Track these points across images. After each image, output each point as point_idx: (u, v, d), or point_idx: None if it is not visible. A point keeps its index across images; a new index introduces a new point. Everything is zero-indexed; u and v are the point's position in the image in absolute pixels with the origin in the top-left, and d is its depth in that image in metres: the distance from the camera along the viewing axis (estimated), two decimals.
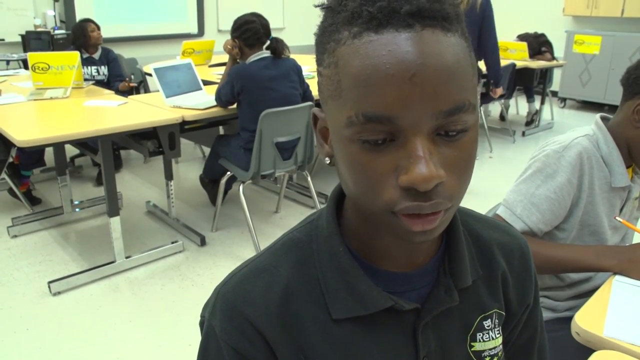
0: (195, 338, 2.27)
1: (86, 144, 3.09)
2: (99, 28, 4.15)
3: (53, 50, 4.99)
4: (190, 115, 2.90)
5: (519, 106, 6.72)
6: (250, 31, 2.96)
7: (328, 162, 0.59)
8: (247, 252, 3.07)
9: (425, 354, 0.63)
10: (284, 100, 2.95)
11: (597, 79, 6.90)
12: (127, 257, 2.86)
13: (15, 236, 3.22)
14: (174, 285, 2.73)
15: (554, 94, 7.15)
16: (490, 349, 0.68)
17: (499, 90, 4.02)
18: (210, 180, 3.61)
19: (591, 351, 0.98)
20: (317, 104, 3.24)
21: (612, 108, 6.79)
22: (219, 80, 3.35)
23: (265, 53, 2.97)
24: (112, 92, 3.60)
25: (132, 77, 4.78)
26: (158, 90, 3.11)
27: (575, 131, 1.39)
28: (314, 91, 3.23)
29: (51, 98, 3.20)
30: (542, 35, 6.01)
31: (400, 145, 0.48)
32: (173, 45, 6.17)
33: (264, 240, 3.14)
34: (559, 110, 7.09)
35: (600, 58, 6.83)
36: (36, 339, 2.29)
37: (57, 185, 3.38)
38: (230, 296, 0.62)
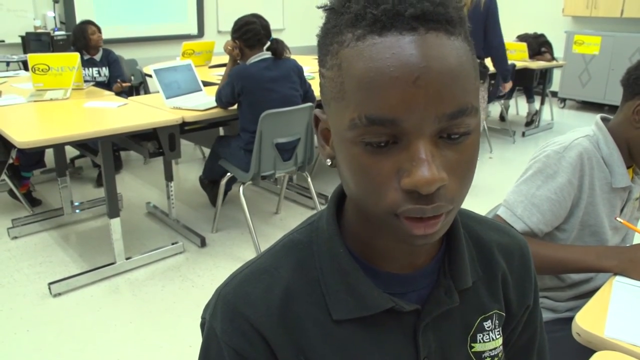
0: (195, 339, 2.27)
1: (86, 145, 3.10)
2: (99, 30, 4.16)
3: (53, 51, 4.99)
4: (190, 116, 2.90)
5: (519, 107, 6.72)
6: (250, 32, 2.96)
7: (329, 163, 0.59)
8: (247, 253, 3.07)
9: (426, 355, 0.63)
10: (284, 101, 2.95)
11: (596, 79, 6.91)
12: (127, 259, 2.86)
13: (16, 237, 3.22)
14: (175, 287, 2.73)
15: (554, 94, 7.16)
16: (491, 350, 0.68)
17: (508, 85, 4.06)
18: (210, 181, 3.61)
19: (592, 352, 0.98)
20: (318, 105, 3.25)
21: (612, 108, 6.79)
22: (219, 81, 3.35)
23: (266, 54, 2.97)
24: (113, 93, 3.60)
25: (132, 78, 4.79)
26: (158, 92, 3.11)
27: (575, 132, 1.39)
28: (316, 91, 3.23)
29: (51, 99, 3.21)
30: (542, 35, 6.02)
31: (403, 148, 0.49)
32: (173, 46, 6.17)
33: (264, 241, 3.14)
34: (558, 110, 7.10)
35: (599, 58, 6.83)
36: (36, 340, 2.29)
37: (57, 186, 3.38)
38: (231, 298, 0.62)
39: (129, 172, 4.43)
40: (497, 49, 3.69)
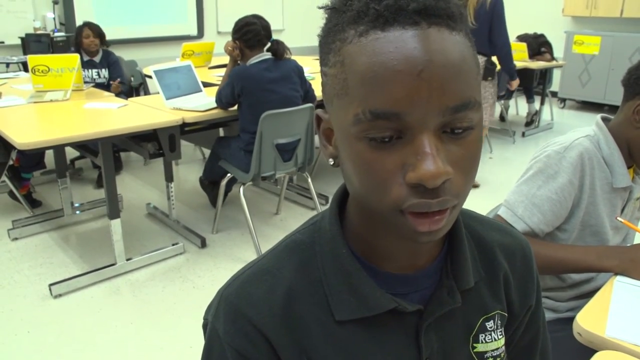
0: (196, 340, 2.27)
1: (86, 147, 3.10)
2: (95, 34, 4.09)
3: (53, 52, 4.99)
4: (190, 117, 2.90)
5: (519, 107, 6.73)
6: (251, 33, 2.96)
7: (332, 162, 0.59)
8: (247, 254, 3.07)
9: (428, 355, 0.63)
10: (284, 102, 2.95)
11: (596, 79, 6.91)
12: (127, 260, 2.86)
13: (16, 239, 3.22)
14: (175, 287, 2.73)
15: (554, 94, 7.16)
16: (493, 350, 0.68)
17: (515, 83, 4.10)
18: (210, 182, 3.61)
19: (593, 352, 0.98)
20: (319, 105, 3.24)
21: (612, 108, 6.79)
22: (218, 82, 3.35)
23: (266, 55, 2.97)
24: (112, 94, 3.60)
25: (132, 79, 4.79)
26: (158, 92, 3.11)
27: (576, 132, 1.39)
28: (316, 92, 3.23)
29: (51, 100, 3.21)
30: (542, 35, 6.02)
31: (407, 143, 0.49)
32: (173, 47, 6.17)
33: (265, 241, 3.14)
34: (558, 110, 7.10)
35: (599, 58, 6.83)
36: (37, 342, 2.29)
37: (58, 187, 3.38)
38: (234, 299, 0.62)
39: (129, 173, 4.43)
40: (501, 49, 3.75)
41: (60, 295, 2.62)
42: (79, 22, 5.68)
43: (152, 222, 3.50)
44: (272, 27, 3.12)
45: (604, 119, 1.40)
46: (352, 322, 0.60)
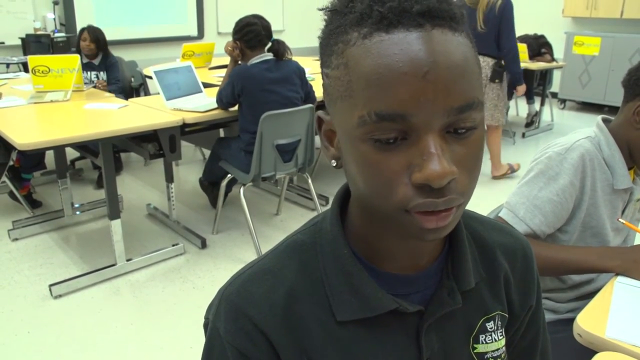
0: (196, 340, 2.27)
1: (87, 147, 3.10)
2: (93, 39, 4.07)
3: (53, 53, 4.99)
4: (190, 117, 2.91)
5: (519, 108, 6.72)
6: (251, 33, 2.96)
7: (334, 164, 0.59)
8: (247, 255, 3.07)
9: (429, 356, 0.63)
10: (284, 103, 2.95)
11: (596, 80, 6.91)
12: (128, 260, 2.86)
13: (16, 239, 3.22)
14: (175, 288, 2.73)
15: (554, 95, 7.16)
16: (493, 351, 0.68)
17: (521, 88, 4.13)
18: (209, 183, 3.61)
19: (593, 353, 0.98)
20: (319, 107, 3.24)
21: (612, 109, 6.79)
22: (219, 83, 3.35)
23: (267, 55, 2.97)
24: (113, 95, 3.60)
25: (133, 79, 4.79)
26: (158, 93, 3.11)
27: (576, 133, 1.39)
28: (317, 93, 3.23)
29: (52, 101, 3.21)
30: (542, 36, 6.02)
31: (412, 143, 0.49)
32: (173, 47, 6.17)
33: (265, 242, 3.14)
34: (558, 111, 7.10)
35: (599, 59, 6.83)
36: (37, 342, 2.29)
37: (58, 188, 3.38)
38: (235, 298, 0.62)
39: (130, 174, 4.43)
40: (507, 52, 3.79)
41: (60, 295, 2.63)
42: (79, 22, 5.71)
43: (152, 223, 3.50)
44: (272, 28, 3.12)
45: (605, 120, 1.40)
46: (353, 322, 0.60)
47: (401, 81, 0.47)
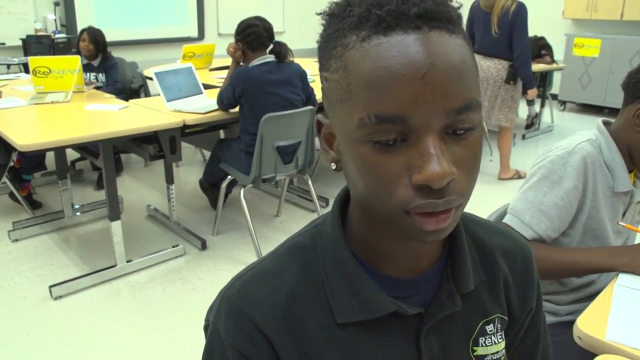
0: (197, 341, 2.27)
1: (87, 148, 3.10)
2: (92, 41, 4.07)
3: (54, 54, 5.00)
4: (191, 119, 2.91)
5: (519, 109, 6.72)
6: (253, 34, 2.96)
7: (334, 167, 0.59)
8: (248, 256, 3.07)
9: (428, 358, 0.63)
10: (285, 105, 2.96)
11: (596, 82, 6.91)
12: (128, 261, 2.86)
13: (16, 240, 3.22)
14: (175, 289, 2.73)
15: (554, 97, 7.16)
16: (493, 354, 0.69)
17: (532, 92, 4.18)
18: (210, 184, 3.61)
19: (593, 355, 0.98)
20: (320, 109, 3.24)
21: (612, 111, 6.79)
22: (219, 84, 3.35)
23: (269, 57, 2.97)
24: (113, 96, 3.61)
25: (134, 80, 4.79)
26: (159, 94, 3.12)
27: (577, 136, 1.39)
28: (318, 95, 3.23)
29: (52, 102, 3.21)
30: (542, 38, 6.02)
31: (411, 145, 0.49)
32: (173, 49, 6.18)
33: (265, 244, 3.14)
34: (559, 113, 7.10)
35: (599, 61, 6.84)
36: (37, 343, 2.29)
37: (58, 189, 3.38)
38: (235, 299, 0.62)
39: (130, 175, 4.43)
40: (518, 56, 3.86)
41: (60, 296, 2.63)
42: (80, 23, 5.72)
43: (152, 224, 3.50)
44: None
45: (605, 123, 1.40)
46: (353, 324, 0.61)
47: (400, 83, 0.48)
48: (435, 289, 0.64)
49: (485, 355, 0.68)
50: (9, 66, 5.24)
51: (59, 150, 3.32)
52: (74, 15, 5.92)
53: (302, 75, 3.10)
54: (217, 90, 3.09)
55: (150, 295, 2.67)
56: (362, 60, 0.49)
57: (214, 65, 4.89)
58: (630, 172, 1.37)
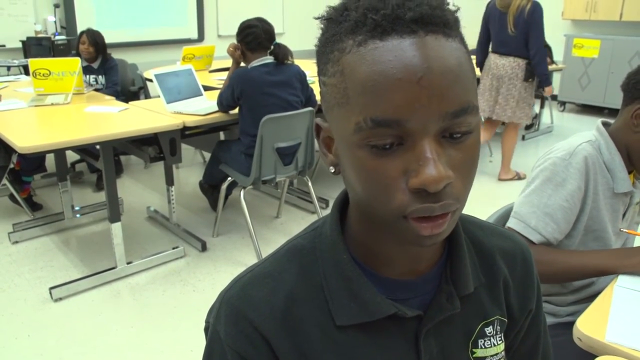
0: (197, 343, 2.27)
1: (87, 150, 3.11)
2: (91, 43, 4.07)
3: (54, 56, 5.00)
4: (191, 121, 2.91)
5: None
6: (250, 35, 2.97)
7: (333, 171, 0.59)
8: (248, 258, 3.07)
9: None
10: (284, 107, 2.96)
11: (596, 83, 6.91)
12: (128, 263, 2.86)
13: (17, 242, 3.22)
14: (175, 291, 2.73)
15: (554, 97, 7.16)
16: (492, 356, 0.69)
17: (549, 89, 4.26)
18: (209, 185, 3.62)
19: (593, 356, 0.99)
20: (319, 110, 3.24)
21: (612, 111, 6.80)
22: (219, 86, 3.36)
23: (268, 59, 2.97)
24: (113, 98, 3.61)
25: (134, 81, 4.79)
26: (159, 96, 3.12)
27: (576, 137, 1.39)
28: (317, 97, 3.23)
29: (52, 104, 3.21)
30: None
31: (408, 149, 0.50)
32: (173, 50, 6.18)
33: (265, 245, 3.14)
34: (558, 114, 7.10)
35: (599, 61, 6.84)
36: (37, 345, 2.29)
37: (58, 191, 3.38)
38: (235, 301, 0.62)
39: (130, 177, 4.43)
40: (534, 55, 3.94)
41: (60, 298, 2.63)
42: (80, 25, 5.72)
43: (152, 226, 3.50)
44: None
45: (604, 124, 1.40)
46: (353, 327, 0.61)
47: (396, 87, 0.48)
48: (435, 291, 0.64)
49: (485, 357, 0.68)
50: (9, 68, 5.25)
51: (59, 152, 3.32)
52: (73, 17, 5.92)
53: (302, 76, 3.10)
54: (217, 92, 3.10)
55: (150, 296, 2.67)
56: (358, 64, 0.50)
57: (213, 67, 4.90)
58: (629, 173, 1.37)
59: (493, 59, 4.12)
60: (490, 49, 4.20)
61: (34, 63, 3.42)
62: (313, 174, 4.18)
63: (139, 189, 4.17)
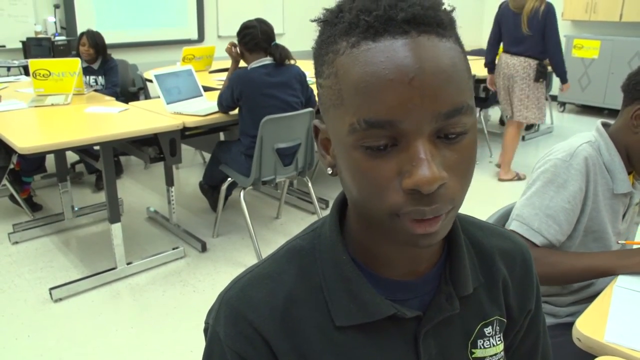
0: (197, 344, 2.27)
1: (87, 151, 3.12)
2: (91, 45, 4.06)
3: (54, 56, 5.00)
4: (191, 121, 2.91)
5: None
6: (248, 36, 2.97)
7: (330, 172, 0.60)
8: (248, 258, 3.07)
9: None
10: (284, 108, 2.96)
11: (596, 83, 6.91)
12: (128, 264, 2.87)
13: (17, 242, 3.23)
14: (175, 292, 2.73)
15: (554, 98, 7.16)
16: (491, 356, 0.69)
17: (566, 86, 4.37)
18: (210, 186, 3.62)
19: (592, 357, 0.99)
20: (318, 111, 3.25)
21: (612, 112, 6.80)
22: (219, 87, 3.36)
23: (267, 60, 2.98)
24: (113, 98, 3.61)
25: (134, 81, 4.79)
26: (159, 97, 3.12)
27: (577, 137, 1.39)
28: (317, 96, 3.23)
29: (52, 105, 3.21)
30: None
31: (402, 150, 0.50)
32: (173, 51, 6.18)
33: (265, 246, 3.14)
34: (558, 114, 7.10)
35: (599, 62, 6.84)
36: (37, 346, 2.29)
37: (58, 191, 3.39)
38: (234, 302, 0.62)
39: (130, 177, 4.43)
40: (553, 55, 4.09)
41: (60, 299, 2.63)
42: (80, 26, 5.72)
43: (152, 226, 3.50)
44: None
45: (604, 125, 1.40)
46: (352, 327, 0.61)
47: (388, 88, 0.48)
48: (434, 292, 0.64)
49: (484, 358, 0.68)
50: (9, 69, 5.25)
51: (59, 153, 3.32)
52: (74, 17, 5.92)
53: (302, 77, 3.10)
54: (217, 93, 3.10)
55: (150, 297, 2.67)
56: (351, 66, 0.50)
57: (213, 68, 4.90)
58: (629, 174, 1.37)
59: (504, 58, 4.17)
60: (501, 49, 4.23)
61: (34, 64, 3.43)
62: (313, 174, 4.18)
63: (139, 189, 4.17)
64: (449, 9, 0.53)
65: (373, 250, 0.62)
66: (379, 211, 0.52)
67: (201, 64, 4.81)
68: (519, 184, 4.33)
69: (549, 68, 4.28)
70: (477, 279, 0.67)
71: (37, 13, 5.72)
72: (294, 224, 3.55)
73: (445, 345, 0.65)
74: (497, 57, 4.31)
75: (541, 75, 4.10)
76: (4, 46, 5.56)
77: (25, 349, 2.28)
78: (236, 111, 3.03)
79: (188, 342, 2.33)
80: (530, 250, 0.75)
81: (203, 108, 3.07)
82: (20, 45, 5.50)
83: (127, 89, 4.62)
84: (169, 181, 3.33)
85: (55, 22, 5.78)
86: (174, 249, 3.07)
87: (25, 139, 2.43)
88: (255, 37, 2.97)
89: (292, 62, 3.06)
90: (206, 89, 3.50)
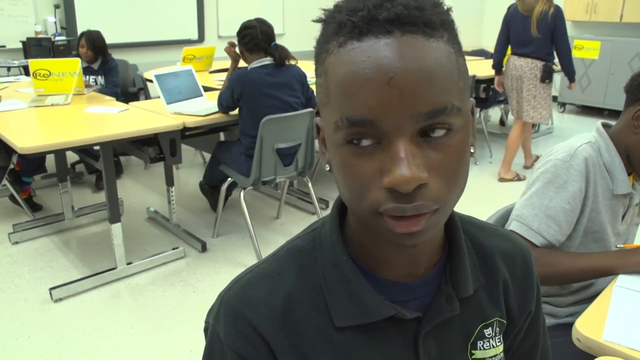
0: (197, 344, 2.27)
1: (87, 151, 3.12)
2: (90, 46, 4.06)
3: (54, 56, 5.00)
4: (191, 121, 2.91)
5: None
6: (248, 36, 2.97)
7: (328, 168, 0.60)
8: (248, 258, 3.07)
9: None
10: (284, 108, 2.96)
11: (596, 84, 6.91)
12: (128, 264, 2.87)
13: (17, 242, 3.23)
14: (175, 292, 2.73)
15: (554, 98, 7.15)
16: (491, 357, 0.69)
17: (573, 85, 4.46)
18: (210, 186, 3.62)
19: (592, 357, 0.99)
20: (318, 112, 3.26)
21: (612, 113, 6.80)
22: (219, 87, 3.36)
23: (267, 60, 2.98)
24: (113, 98, 3.61)
25: (135, 82, 4.79)
26: (159, 97, 3.12)
27: (577, 138, 1.39)
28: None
29: (52, 105, 3.21)
30: None
31: (384, 148, 0.50)
32: (173, 51, 6.18)
33: (265, 246, 3.14)
34: (558, 115, 7.10)
35: (599, 63, 6.84)
36: (37, 346, 2.29)
37: (58, 191, 3.39)
38: (234, 301, 0.62)
39: (130, 177, 4.44)
40: (562, 55, 4.17)
41: (60, 299, 2.63)
42: (80, 26, 5.72)
43: (152, 226, 3.50)
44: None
45: (605, 125, 1.40)
46: (352, 328, 0.61)
47: (367, 87, 0.48)
48: (434, 293, 0.64)
49: (484, 359, 0.68)
50: (9, 69, 5.25)
51: (59, 153, 3.32)
52: (74, 17, 5.92)
53: (302, 77, 3.10)
54: (217, 93, 3.10)
55: (150, 297, 2.67)
56: (337, 65, 0.51)
57: (214, 68, 4.90)
58: (629, 174, 1.37)
59: (512, 60, 4.23)
60: (509, 51, 4.27)
61: (34, 64, 3.43)
62: (313, 174, 4.19)
63: (139, 189, 4.17)
64: (445, 8, 0.53)
65: (372, 251, 0.62)
66: (362, 208, 0.53)
67: (201, 64, 4.81)
68: (519, 184, 4.33)
69: (555, 69, 4.33)
70: (477, 280, 0.67)
71: (37, 13, 5.73)
72: (294, 224, 3.55)
73: (445, 347, 0.65)
74: (505, 59, 4.33)
75: (547, 76, 4.17)
76: (4, 46, 5.56)
77: (25, 349, 2.28)
78: (236, 111, 3.04)
79: (188, 342, 2.33)
80: (530, 251, 0.75)
81: (203, 108, 3.08)
82: (20, 45, 5.50)
83: (127, 89, 4.62)
84: (169, 181, 3.33)
85: (55, 22, 5.78)
86: (174, 249, 3.07)
87: (26, 139, 2.43)
88: (255, 37, 2.97)
89: (294, 62, 3.06)
90: (206, 89, 3.50)
